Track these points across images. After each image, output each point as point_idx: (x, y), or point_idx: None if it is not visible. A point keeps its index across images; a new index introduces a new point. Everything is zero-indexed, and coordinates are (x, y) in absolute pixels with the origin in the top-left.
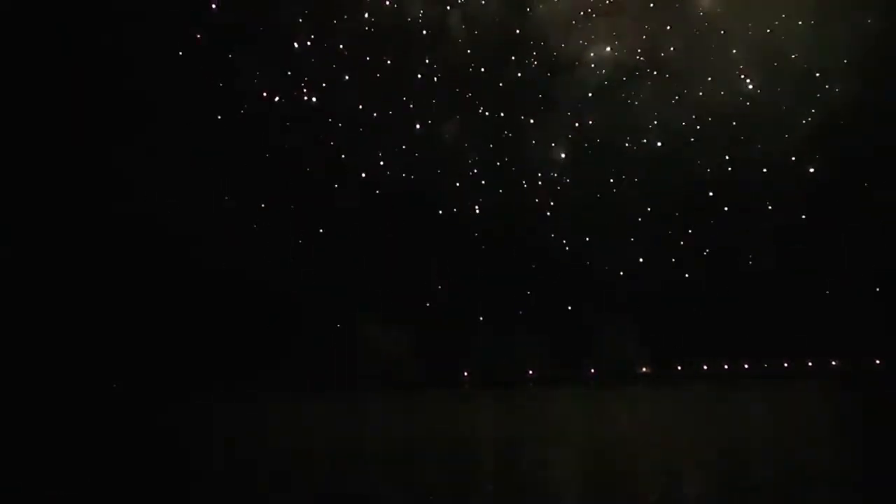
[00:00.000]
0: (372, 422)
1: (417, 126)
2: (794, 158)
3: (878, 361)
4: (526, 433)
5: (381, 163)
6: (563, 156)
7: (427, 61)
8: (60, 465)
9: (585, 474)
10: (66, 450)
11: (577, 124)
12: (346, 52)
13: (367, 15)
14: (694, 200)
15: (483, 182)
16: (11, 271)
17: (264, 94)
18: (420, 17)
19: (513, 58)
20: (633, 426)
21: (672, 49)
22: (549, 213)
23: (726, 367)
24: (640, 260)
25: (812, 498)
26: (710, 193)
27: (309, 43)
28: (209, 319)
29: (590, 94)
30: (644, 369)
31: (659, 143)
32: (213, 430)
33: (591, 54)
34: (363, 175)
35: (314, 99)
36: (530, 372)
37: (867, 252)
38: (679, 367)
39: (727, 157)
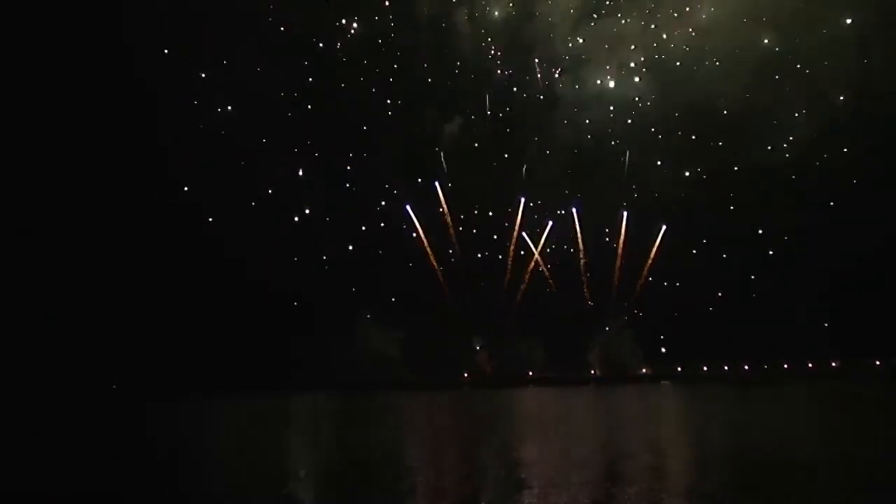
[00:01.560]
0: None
1: None
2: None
3: (877, 362)
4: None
5: None
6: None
7: None
8: (60, 465)
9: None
10: (65, 449)
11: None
12: None
13: None
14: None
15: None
16: (12, 274)
17: None
18: None
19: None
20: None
21: None
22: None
23: (726, 368)
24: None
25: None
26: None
27: None
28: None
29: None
30: (644, 370)
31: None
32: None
33: None
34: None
35: None
36: (530, 373)
37: (866, 255)
38: (679, 369)
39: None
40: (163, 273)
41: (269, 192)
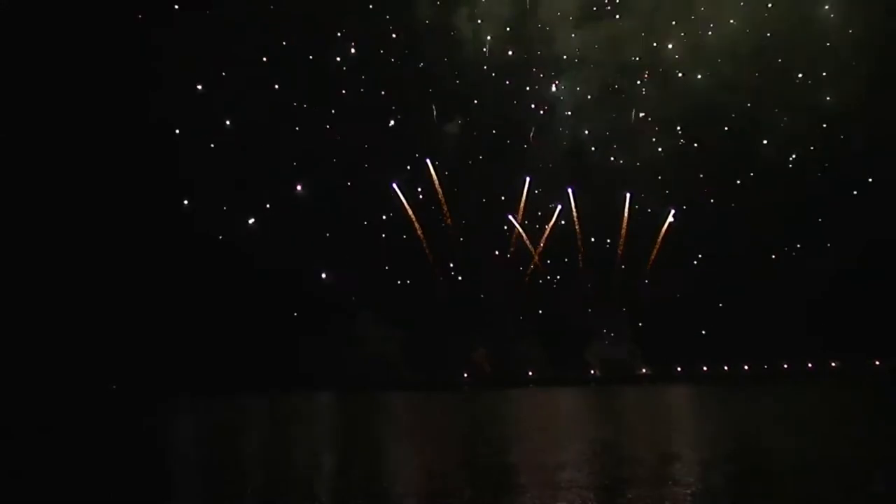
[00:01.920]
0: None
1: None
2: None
3: (877, 362)
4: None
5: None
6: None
7: None
8: (57, 464)
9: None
10: (62, 449)
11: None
12: None
13: None
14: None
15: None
16: (12, 277)
17: None
18: None
19: None
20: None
21: None
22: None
23: (726, 368)
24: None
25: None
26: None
27: None
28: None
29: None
30: (644, 370)
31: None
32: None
33: None
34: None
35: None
36: (530, 373)
37: (863, 255)
38: (679, 369)
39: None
40: (163, 274)
41: (270, 198)
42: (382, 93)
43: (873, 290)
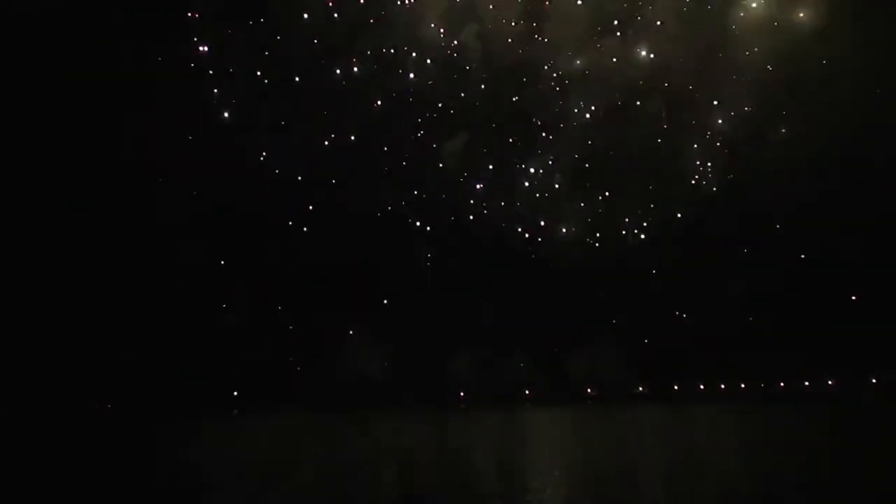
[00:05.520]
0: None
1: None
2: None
3: (874, 381)
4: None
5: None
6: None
7: None
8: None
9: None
10: (60, 471)
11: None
12: None
13: None
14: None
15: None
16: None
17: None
18: None
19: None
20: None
21: None
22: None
23: (722, 386)
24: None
25: None
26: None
27: None
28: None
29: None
30: (640, 389)
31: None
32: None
33: None
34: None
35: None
36: (527, 392)
37: (857, 275)
38: (676, 388)
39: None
40: (151, 289)
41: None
42: None
43: (870, 307)
